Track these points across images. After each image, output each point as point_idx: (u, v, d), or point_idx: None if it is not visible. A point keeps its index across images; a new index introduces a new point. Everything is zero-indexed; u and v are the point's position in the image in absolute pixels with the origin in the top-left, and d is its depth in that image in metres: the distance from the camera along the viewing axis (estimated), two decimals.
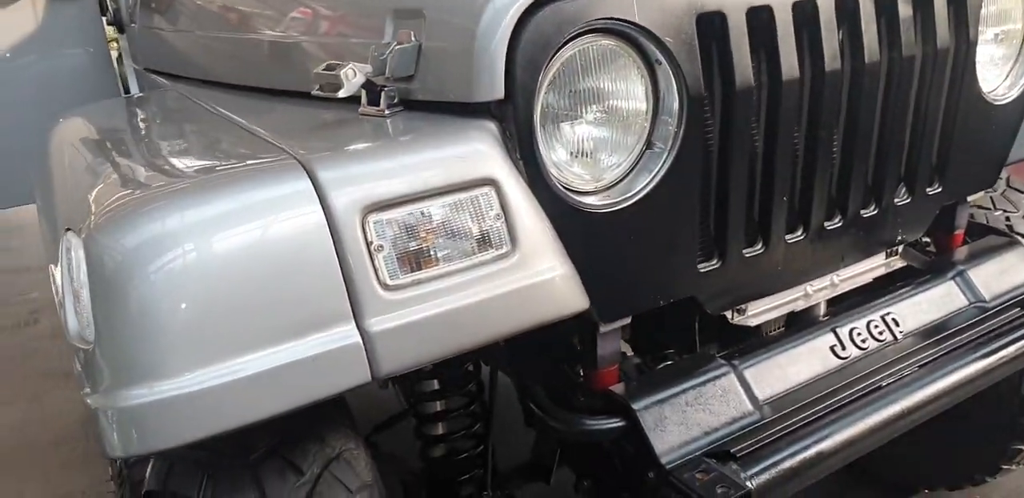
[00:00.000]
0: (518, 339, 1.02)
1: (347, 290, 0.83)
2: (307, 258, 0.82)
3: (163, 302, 0.77)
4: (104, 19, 1.99)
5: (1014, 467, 1.96)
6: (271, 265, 0.80)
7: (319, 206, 0.82)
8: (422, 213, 0.87)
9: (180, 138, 1.14)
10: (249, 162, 0.87)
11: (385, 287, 0.85)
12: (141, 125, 1.28)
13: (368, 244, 0.84)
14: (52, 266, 0.89)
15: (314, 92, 0.98)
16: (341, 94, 0.95)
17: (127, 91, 2.08)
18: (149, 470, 1.08)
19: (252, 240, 0.80)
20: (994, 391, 1.52)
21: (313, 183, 0.83)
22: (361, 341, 0.84)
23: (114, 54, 2.09)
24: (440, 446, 1.45)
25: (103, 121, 1.29)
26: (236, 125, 1.09)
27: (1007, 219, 1.85)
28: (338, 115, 1.06)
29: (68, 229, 0.84)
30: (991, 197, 1.89)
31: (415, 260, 0.87)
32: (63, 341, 2.15)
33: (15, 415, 3.10)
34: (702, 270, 1.17)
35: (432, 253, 0.88)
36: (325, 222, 0.82)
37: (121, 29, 1.97)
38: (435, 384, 1.39)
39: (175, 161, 0.98)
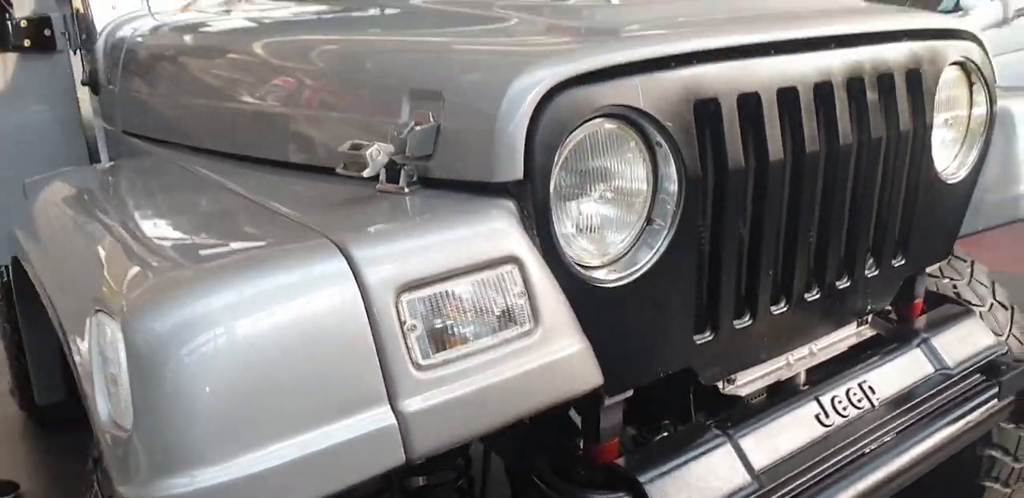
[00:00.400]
0: None
1: (382, 371, 0.83)
2: (343, 339, 0.82)
3: (206, 388, 0.75)
4: (79, 79, 1.98)
5: None
6: (309, 346, 0.80)
7: (355, 285, 0.83)
8: (451, 291, 0.89)
9: (195, 211, 1.13)
10: (280, 241, 0.88)
11: (418, 367, 0.86)
12: (147, 194, 1.27)
13: (402, 324, 0.85)
14: (77, 338, 0.86)
15: (339, 170, 0.99)
16: (367, 174, 0.97)
17: (94, 152, 2.06)
18: None
19: (290, 321, 0.80)
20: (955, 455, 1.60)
21: (348, 262, 0.84)
22: (396, 423, 0.84)
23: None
24: None
25: (102, 187, 1.27)
26: (247, 199, 1.10)
27: (954, 287, 1.96)
28: (351, 191, 1.08)
29: (99, 310, 0.82)
30: (939, 266, 2.00)
31: (444, 339, 0.89)
32: None
33: None
34: (698, 342, 1.21)
35: (460, 332, 0.90)
36: (361, 302, 0.83)
37: (96, 90, 1.96)
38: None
39: (198, 237, 0.98)
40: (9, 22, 1.87)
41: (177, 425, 0.76)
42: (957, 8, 6.31)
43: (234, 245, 0.90)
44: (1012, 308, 1.98)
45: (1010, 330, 1.93)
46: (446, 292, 0.89)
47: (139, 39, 1.83)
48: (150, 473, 0.76)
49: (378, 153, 0.97)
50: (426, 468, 1.40)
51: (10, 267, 2.18)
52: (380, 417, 0.83)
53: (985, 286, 1.99)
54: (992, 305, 1.95)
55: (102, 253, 0.94)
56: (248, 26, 1.77)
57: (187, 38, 1.75)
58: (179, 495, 0.75)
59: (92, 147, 2.07)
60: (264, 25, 1.78)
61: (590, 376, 1.00)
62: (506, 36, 1.22)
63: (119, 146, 1.85)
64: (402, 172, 1.02)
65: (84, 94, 2.04)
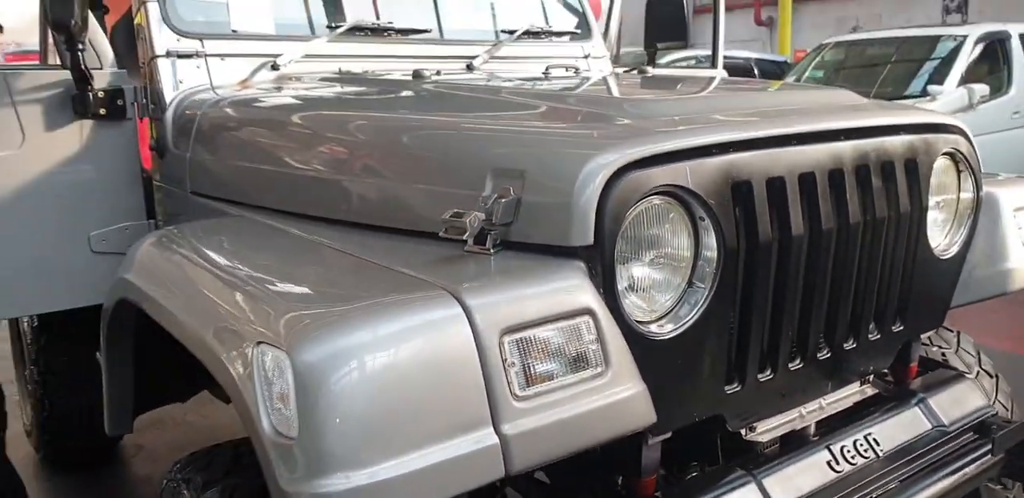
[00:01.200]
0: None
1: (488, 399, 1.00)
2: (459, 371, 0.99)
3: (356, 405, 0.92)
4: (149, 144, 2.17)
5: None
6: (433, 375, 0.97)
7: (468, 328, 1.00)
8: (542, 336, 1.06)
9: (312, 265, 1.30)
10: (405, 291, 1.05)
11: (516, 398, 1.02)
12: (258, 249, 1.43)
13: (504, 361, 1.02)
14: (234, 365, 1.01)
15: (442, 234, 1.18)
16: (466, 237, 1.15)
17: (151, 209, 2.23)
18: None
19: (417, 354, 0.97)
20: None
21: (463, 309, 1.01)
22: (498, 443, 1.00)
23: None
24: None
25: (216, 242, 1.44)
26: (352, 255, 1.27)
27: (943, 355, 2.15)
28: (438, 251, 1.25)
29: (261, 342, 0.98)
30: (928, 336, 2.19)
31: (535, 375, 1.05)
32: None
33: None
34: (727, 392, 1.38)
35: (548, 370, 1.06)
36: (473, 341, 1.00)
37: (162, 154, 2.14)
38: None
39: (331, 287, 1.15)
40: (90, 93, 2.06)
41: (334, 435, 0.92)
42: (924, 93, 6.72)
43: (365, 293, 1.07)
44: (997, 376, 2.16)
45: (996, 396, 2.11)
46: (537, 336, 1.06)
47: (210, 111, 2.01)
48: (310, 473, 0.92)
49: (475, 221, 1.16)
50: None
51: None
52: (486, 437, 1.00)
53: (971, 355, 2.18)
54: (978, 373, 2.14)
55: (250, 299, 1.10)
56: (315, 102, 1.97)
57: (261, 111, 1.95)
58: (335, 492, 0.90)
59: (148, 204, 2.25)
60: (326, 102, 1.98)
61: (647, 415, 1.16)
62: (572, 123, 1.42)
63: (185, 205, 2.01)
64: (488, 236, 1.20)
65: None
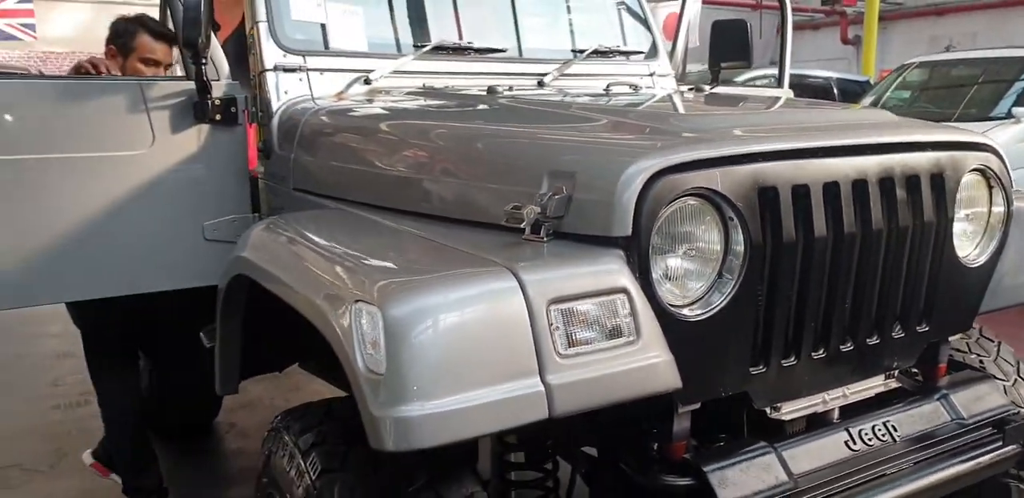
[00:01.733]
0: (607, 418, 1.40)
1: (536, 354, 1.22)
2: (513, 330, 1.21)
3: (431, 351, 1.16)
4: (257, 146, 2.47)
5: None
6: (492, 332, 1.20)
7: (522, 297, 1.23)
8: (581, 308, 1.28)
9: (396, 245, 1.56)
10: (473, 266, 1.29)
11: (559, 355, 1.24)
12: (354, 232, 1.70)
13: (550, 325, 1.24)
14: (336, 319, 1.27)
15: (503, 222, 1.41)
16: (524, 226, 1.38)
17: (255, 203, 2.52)
18: (337, 489, 1.43)
19: (481, 316, 1.21)
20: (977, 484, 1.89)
21: (519, 282, 1.23)
22: (543, 390, 1.22)
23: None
24: None
25: (320, 228, 1.71)
26: (427, 239, 1.52)
27: (980, 362, 2.25)
28: (499, 238, 1.48)
29: (359, 301, 1.23)
30: (967, 343, 2.31)
31: (576, 339, 1.27)
32: None
33: (82, 483, 3.34)
34: (752, 372, 1.56)
35: (586, 336, 1.28)
36: (526, 308, 1.22)
37: (268, 155, 2.43)
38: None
39: (413, 261, 1.40)
40: (209, 101, 2.36)
41: (413, 373, 1.16)
42: (1009, 115, 6.66)
43: (441, 267, 1.31)
44: None
45: None
46: (578, 307, 1.27)
47: (311, 118, 2.29)
48: (394, 401, 1.16)
49: (531, 213, 1.38)
50: (526, 465, 1.77)
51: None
52: (533, 384, 1.22)
53: (1011, 364, 2.28)
54: (1016, 381, 2.24)
55: (349, 270, 1.36)
56: (401, 113, 2.23)
57: (356, 120, 2.22)
58: (412, 417, 1.15)
59: (255, 200, 2.54)
60: (411, 113, 2.24)
61: (672, 380, 1.36)
62: (618, 133, 1.64)
63: (288, 199, 2.29)
64: (542, 227, 1.42)
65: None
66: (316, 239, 1.61)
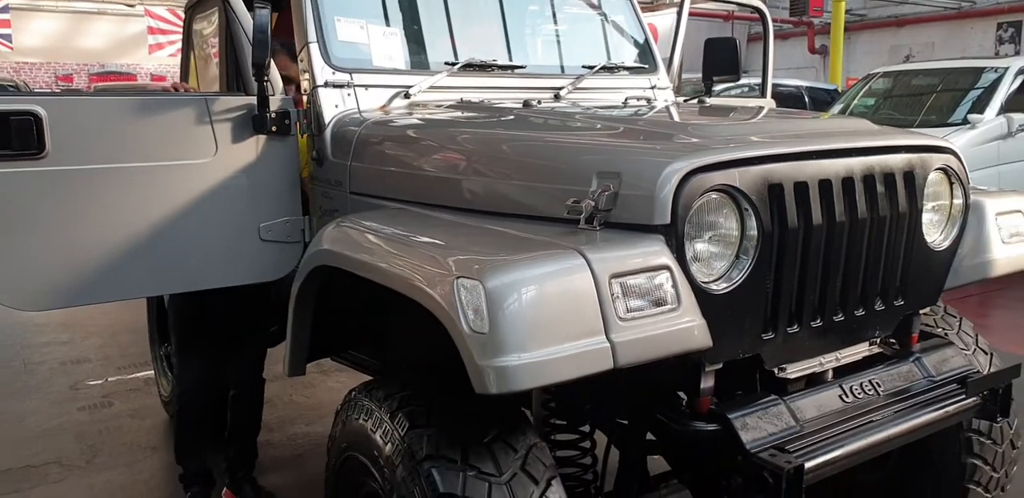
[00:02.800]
0: (639, 378, 1.73)
1: (602, 318, 1.53)
2: (583, 298, 1.52)
3: (523, 314, 1.46)
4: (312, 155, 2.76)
5: None
6: (567, 301, 1.51)
7: (589, 273, 1.54)
8: (635, 281, 1.59)
9: (468, 233, 1.87)
10: (548, 249, 1.60)
11: (619, 318, 1.55)
12: (424, 227, 1.98)
13: (612, 295, 1.55)
14: (434, 294, 1.58)
15: (565, 214, 1.72)
16: (582, 217, 1.70)
17: (306, 205, 2.80)
18: (426, 441, 1.73)
19: (558, 287, 1.51)
20: (941, 438, 2.25)
21: (586, 261, 1.55)
22: (609, 345, 1.53)
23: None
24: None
25: (402, 224, 2.01)
26: (495, 230, 1.83)
27: (945, 334, 2.61)
28: (556, 228, 1.79)
29: (461, 276, 1.53)
30: (935, 319, 2.67)
31: (631, 306, 1.58)
32: (142, 421, 2.94)
33: (119, 477, 3.59)
34: (764, 338, 1.89)
35: (638, 303, 1.59)
36: (592, 281, 1.54)
37: (321, 163, 2.72)
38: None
39: (498, 247, 1.71)
40: (267, 114, 2.64)
41: (509, 332, 1.46)
42: (965, 122, 7.12)
43: (523, 250, 1.62)
44: (991, 354, 2.63)
45: (989, 369, 2.57)
46: (633, 281, 1.59)
47: (364, 129, 2.59)
48: (496, 352, 1.45)
49: (588, 206, 1.70)
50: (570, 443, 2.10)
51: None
52: (601, 341, 1.52)
53: (970, 336, 2.65)
54: (975, 350, 2.61)
55: (440, 254, 1.67)
56: (451, 123, 2.52)
57: (416, 129, 2.50)
58: (509, 365, 1.44)
59: (306, 202, 2.82)
60: (462, 123, 2.53)
61: (705, 340, 1.68)
62: (654, 139, 1.97)
63: (344, 202, 2.59)
64: (595, 218, 1.74)
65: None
66: (398, 232, 1.92)
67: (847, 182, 1.96)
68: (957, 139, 7.06)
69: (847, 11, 16.96)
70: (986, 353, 2.61)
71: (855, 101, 8.91)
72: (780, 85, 11.49)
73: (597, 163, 1.84)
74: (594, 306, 1.54)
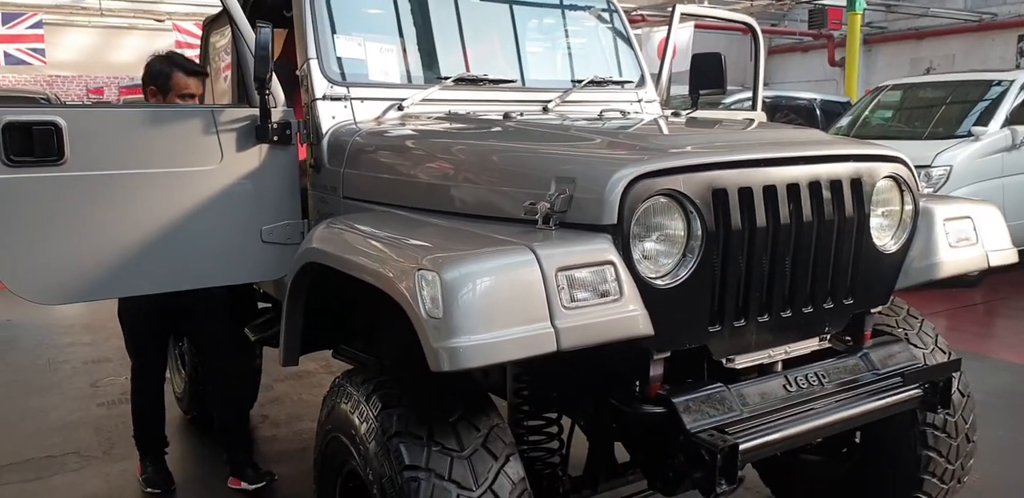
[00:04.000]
0: (597, 367, 1.89)
1: (548, 307, 1.70)
2: (531, 289, 1.69)
3: (473, 302, 1.63)
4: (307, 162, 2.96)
5: None
6: (515, 291, 1.68)
7: (538, 267, 1.71)
8: (580, 274, 1.76)
9: (445, 233, 2.06)
10: (501, 245, 1.78)
11: (564, 307, 1.72)
12: (403, 227, 2.17)
13: (557, 286, 1.72)
14: (403, 284, 1.76)
15: (523, 215, 1.90)
16: (538, 218, 1.87)
17: (305, 209, 3.00)
18: (395, 419, 1.91)
19: (508, 279, 1.68)
20: (897, 431, 2.39)
21: (535, 256, 1.72)
22: (553, 331, 1.69)
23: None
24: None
25: (381, 224, 2.20)
26: (462, 229, 2.02)
27: (905, 335, 2.75)
28: (516, 228, 1.97)
29: (420, 269, 1.71)
30: (896, 320, 2.81)
31: (576, 297, 1.75)
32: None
33: (134, 467, 3.80)
34: (711, 330, 2.05)
35: (583, 294, 1.76)
36: (541, 275, 1.70)
37: (318, 170, 2.92)
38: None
39: (459, 243, 1.88)
40: (269, 125, 2.85)
41: (461, 317, 1.63)
42: (970, 134, 7.22)
43: (478, 246, 1.79)
44: (949, 353, 2.76)
45: None
46: (578, 274, 1.76)
47: (357, 139, 2.79)
48: (448, 335, 1.62)
49: (543, 208, 1.88)
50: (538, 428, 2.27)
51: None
52: (546, 326, 1.69)
53: (929, 336, 2.78)
54: (933, 349, 2.74)
55: (408, 249, 1.85)
56: (435, 134, 2.72)
57: (398, 140, 2.71)
58: (461, 346, 1.61)
59: (305, 206, 3.02)
60: (444, 133, 2.73)
61: (646, 328, 1.84)
62: (608, 148, 2.14)
63: (338, 206, 2.78)
64: (551, 219, 1.92)
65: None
66: (375, 231, 2.10)
67: (792, 188, 2.11)
68: (961, 151, 7.18)
69: (867, 24, 17.05)
70: (944, 352, 2.74)
71: (865, 113, 9.02)
72: (794, 97, 11.62)
73: (556, 169, 2.02)
74: (540, 296, 1.71)
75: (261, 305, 3.88)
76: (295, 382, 5.04)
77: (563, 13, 3.78)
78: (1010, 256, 2.61)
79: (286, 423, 4.43)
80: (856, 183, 2.25)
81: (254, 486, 3.59)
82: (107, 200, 2.68)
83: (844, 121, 9.09)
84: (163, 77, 3.40)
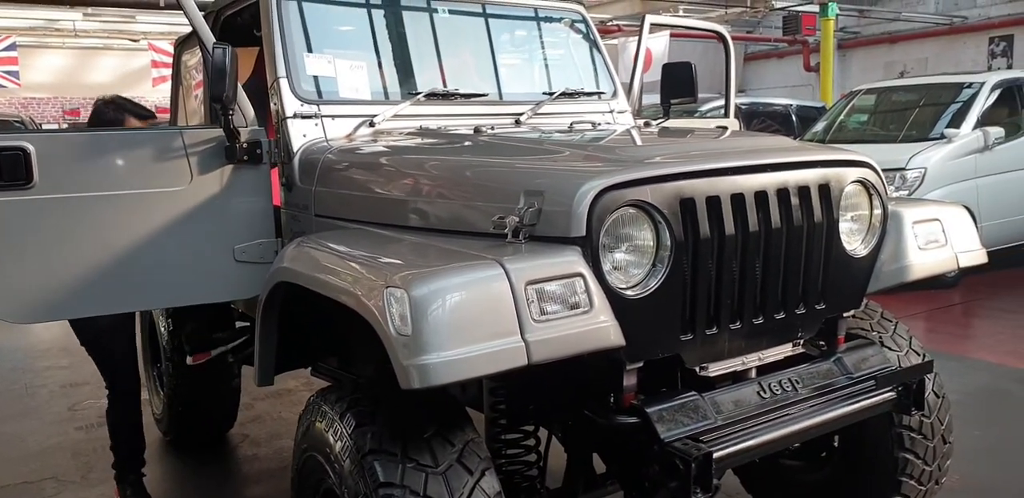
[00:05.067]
0: (572, 379, 1.89)
1: (518, 320, 1.70)
2: (501, 303, 1.69)
3: (444, 318, 1.63)
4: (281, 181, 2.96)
5: None
6: (486, 306, 1.68)
7: (507, 281, 1.71)
8: (549, 287, 1.76)
9: (413, 249, 2.05)
10: (470, 260, 1.78)
11: (534, 321, 1.72)
12: (374, 244, 2.18)
13: (527, 299, 1.72)
14: (372, 301, 1.75)
15: (492, 229, 1.91)
16: (508, 232, 1.88)
17: (279, 227, 2.99)
18: (369, 437, 1.90)
19: (478, 294, 1.68)
20: (875, 434, 2.40)
21: (504, 270, 1.72)
22: (523, 344, 1.69)
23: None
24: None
25: (351, 241, 2.19)
26: (432, 245, 2.02)
27: (880, 337, 2.77)
28: (485, 242, 1.97)
29: (389, 286, 1.71)
30: (870, 323, 2.83)
31: (546, 309, 1.76)
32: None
33: (112, 490, 3.76)
34: (683, 339, 2.06)
35: (553, 308, 1.77)
36: (510, 289, 1.70)
37: (290, 188, 2.91)
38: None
39: (428, 259, 1.88)
40: (237, 145, 2.84)
41: (430, 334, 1.62)
42: (943, 136, 7.30)
43: (448, 262, 1.79)
44: (924, 355, 2.78)
45: None
46: (548, 287, 1.76)
47: (328, 156, 2.79)
48: (418, 352, 1.62)
49: (512, 222, 1.89)
50: (515, 441, 2.27)
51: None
52: (516, 340, 1.69)
53: (903, 338, 2.80)
54: (907, 351, 2.76)
55: (377, 267, 1.85)
56: (405, 150, 2.73)
57: (367, 157, 2.71)
58: (430, 363, 1.61)
59: (279, 225, 3.01)
60: (412, 149, 2.74)
61: (617, 338, 1.84)
62: (575, 161, 2.15)
63: (310, 224, 2.78)
64: (520, 232, 1.92)
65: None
66: (344, 249, 2.10)
67: (760, 195, 2.13)
68: (935, 153, 7.26)
69: (841, 29, 17.24)
70: (918, 354, 2.76)
71: (840, 117, 9.10)
72: (770, 104, 11.72)
73: (524, 183, 2.02)
74: (510, 310, 1.71)
75: (239, 324, 3.86)
76: (275, 400, 5.01)
77: (537, 25, 3.80)
78: (979, 257, 2.63)
79: (266, 442, 4.40)
80: (824, 189, 2.27)
81: None
82: (77, 222, 2.69)
83: (819, 126, 9.16)
84: (117, 122, 3.46)
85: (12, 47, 15.70)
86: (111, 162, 2.72)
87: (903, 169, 7.08)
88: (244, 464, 4.15)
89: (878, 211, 2.44)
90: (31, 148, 2.56)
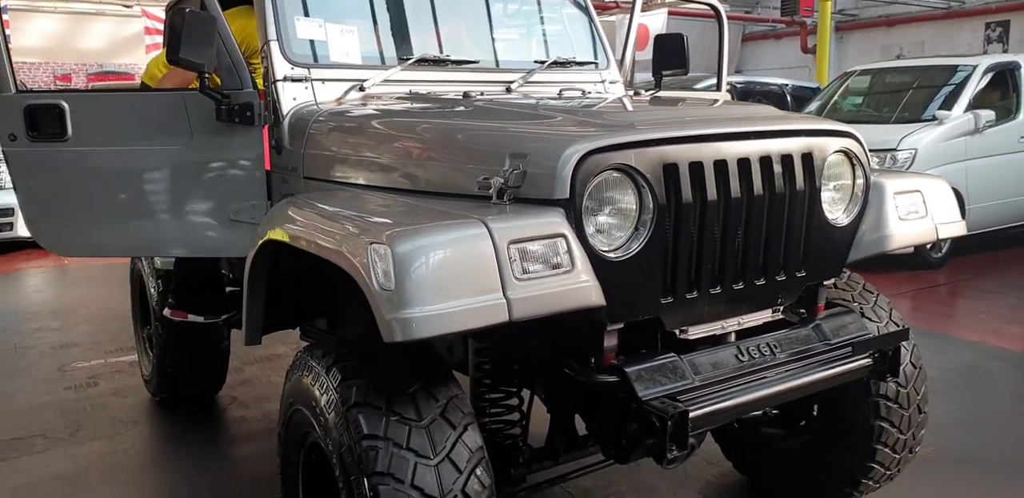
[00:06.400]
0: (555, 339, 1.93)
1: (500, 278, 1.73)
2: (484, 261, 1.72)
3: (427, 274, 1.66)
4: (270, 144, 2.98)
5: (872, 484, 2.84)
6: (469, 264, 1.70)
7: (489, 239, 1.74)
8: (532, 247, 1.79)
9: (402, 209, 2.08)
10: (455, 219, 1.80)
11: (516, 279, 1.74)
12: (362, 204, 2.20)
13: (509, 258, 1.75)
14: (357, 257, 1.78)
15: (476, 191, 1.93)
16: (492, 193, 1.90)
17: (270, 190, 3.02)
18: (355, 390, 1.94)
19: (462, 252, 1.71)
20: (852, 403, 2.45)
21: (488, 229, 1.75)
22: (505, 302, 1.72)
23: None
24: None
25: (338, 201, 2.22)
26: (423, 206, 2.04)
27: (861, 308, 2.81)
28: (473, 203, 2.00)
29: (373, 242, 1.74)
30: (852, 294, 2.87)
31: (528, 268, 1.78)
32: (125, 398, 3.66)
33: (101, 447, 3.81)
34: (663, 302, 2.09)
35: (535, 267, 1.80)
36: (493, 247, 1.73)
37: (279, 151, 2.93)
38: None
39: (416, 218, 1.90)
40: (225, 107, 2.86)
41: (413, 289, 1.65)
42: (934, 118, 7.32)
43: (432, 220, 1.82)
44: (903, 325, 2.83)
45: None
46: (530, 247, 1.79)
47: (318, 119, 2.80)
48: (400, 307, 1.65)
49: (497, 183, 1.91)
50: (499, 400, 2.31)
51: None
52: (498, 297, 1.72)
53: (884, 310, 2.85)
54: (887, 322, 2.81)
55: (363, 224, 1.86)
56: (393, 113, 2.75)
57: (355, 120, 2.73)
58: (412, 317, 1.63)
59: (269, 187, 3.04)
60: (401, 113, 2.75)
61: (597, 298, 1.88)
62: (561, 125, 2.18)
63: (299, 186, 2.80)
64: (505, 194, 1.95)
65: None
66: (331, 209, 2.12)
67: (743, 162, 2.15)
68: (926, 134, 7.29)
69: (839, 11, 17.16)
70: (897, 325, 2.80)
71: (835, 98, 9.10)
72: (764, 83, 11.70)
73: (510, 145, 2.04)
74: (492, 268, 1.74)
75: (230, 289, 3.89)
76: (264, 365, 5.05)
77: None
78: (959, 228, 2.67)
79: (255, 404, 4.44)
80: (807, 158, 2.29)
81: None
82: (104, 172, 3.03)
83: (813, 106, 9.17)
84: None
85: (2, 10, 15.50)
86: (129, 119, 3.02)
87: (894, 150, 7.11)
88: (232, 425, 4.19)
89: (860, 181, 2.46)
90: (65, 106, 2.90)
